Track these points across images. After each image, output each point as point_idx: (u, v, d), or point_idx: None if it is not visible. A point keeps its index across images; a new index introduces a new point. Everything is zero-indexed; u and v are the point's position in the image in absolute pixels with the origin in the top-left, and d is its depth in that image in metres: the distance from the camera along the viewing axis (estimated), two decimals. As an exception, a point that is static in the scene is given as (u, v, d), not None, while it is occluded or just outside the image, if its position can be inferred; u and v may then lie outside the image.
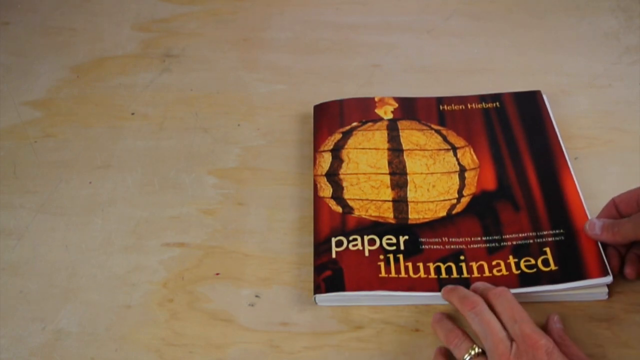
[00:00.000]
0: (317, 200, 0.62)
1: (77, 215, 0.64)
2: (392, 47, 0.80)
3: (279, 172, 0.67)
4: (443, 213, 0.61)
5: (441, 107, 0.70)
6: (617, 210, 0.56)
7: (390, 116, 0.69)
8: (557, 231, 0.58)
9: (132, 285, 0.59)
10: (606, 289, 0.55)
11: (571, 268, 0.55)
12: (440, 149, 0.65)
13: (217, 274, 0.59)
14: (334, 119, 0.69)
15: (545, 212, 0.59)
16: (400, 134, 0.67)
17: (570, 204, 0.60)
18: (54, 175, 0.68)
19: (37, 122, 0.73)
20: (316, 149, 0.67)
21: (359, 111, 0.70)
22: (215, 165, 0.68)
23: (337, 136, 0.67)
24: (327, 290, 0.55)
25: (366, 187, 0.63)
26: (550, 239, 0.57)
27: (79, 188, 0.67)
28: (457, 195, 0.62)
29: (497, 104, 0.69)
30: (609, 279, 0.54)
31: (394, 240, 0.58)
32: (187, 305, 0.57)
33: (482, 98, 0.70)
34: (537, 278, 0.55)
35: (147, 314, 0.57)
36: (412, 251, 0.58)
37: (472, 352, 0.49)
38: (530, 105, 0.69)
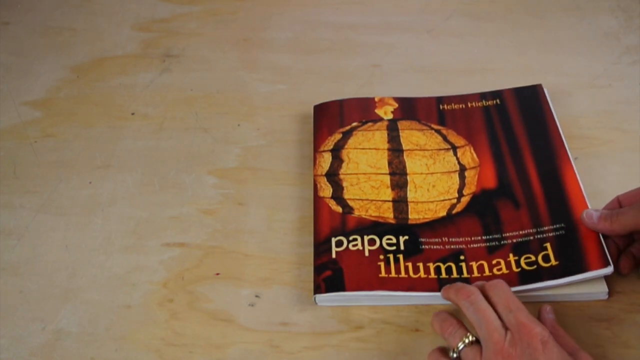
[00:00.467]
0: (317, 200, 0.62)
1: (77, 215, 0.64)
2: (392, 47, 0.80)
3: (279, 172, 0.67)
4: (443, 213, 0.61)
5: (441, 107, 0.70)
6: (620, 208, 0.56)
7: (390, 116, 0.69)
8: (557, 225, 0.58)
9: (132, 285, 0.59)
10: (606, 289, 0.55)
11: (572, 262, 0.55)
12: (440, 149, 0.65)
13: (217, 274, 0.59)
14: (334, 119, 0.69)
15: (546, 207, 0.59)
16: (400, 134, 0.67)
17: (571, 197, 0.59)
18: (54, 175, 0.68)
19: (37, 122, 0.73)
20: (316, 149, 0.67)
21: (359, 111, 0.70)
22: (215, 165, 0.68)
23: (337, 136, 0.67)
24: (327, 290, 0.55)
25: (366, 187, 0.63)
26: (550, 234, 0.57)
27: (79, 188, 0.67)
28: (457, 195, 0.62)
29: (498, 100, 0.69)
30: (609, 269, 0.54)
31: (394, 240, 0.58)
32: (187, 305, 0.57)
33: (483, 95, 0.70)
34: (538, 274, 0.55)
35: (147, 314, 0.57)
36: (412, 251, 0.58)
37: (467, 340, 0.49)
38: (531, 99, 0.69)
